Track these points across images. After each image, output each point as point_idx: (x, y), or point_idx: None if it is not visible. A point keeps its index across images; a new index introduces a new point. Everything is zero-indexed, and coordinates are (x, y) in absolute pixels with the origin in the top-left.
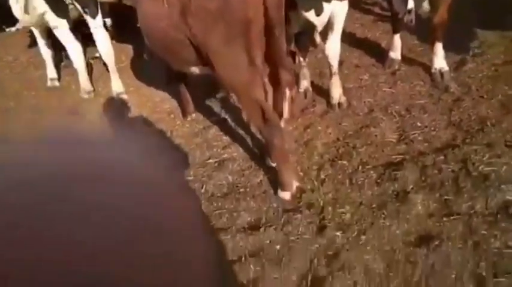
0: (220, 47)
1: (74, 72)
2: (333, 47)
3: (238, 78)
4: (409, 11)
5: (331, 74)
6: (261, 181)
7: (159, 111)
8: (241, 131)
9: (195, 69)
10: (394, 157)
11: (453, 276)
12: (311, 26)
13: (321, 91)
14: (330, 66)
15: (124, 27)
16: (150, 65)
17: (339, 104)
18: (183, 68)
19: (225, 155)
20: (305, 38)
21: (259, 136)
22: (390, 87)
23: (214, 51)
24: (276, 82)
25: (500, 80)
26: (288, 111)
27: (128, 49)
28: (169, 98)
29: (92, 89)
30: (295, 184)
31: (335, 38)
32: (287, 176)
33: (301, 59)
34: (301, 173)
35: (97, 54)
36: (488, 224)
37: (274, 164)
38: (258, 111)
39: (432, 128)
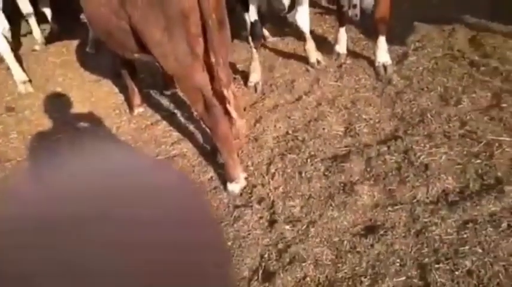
0: (159, 36)
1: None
2: (304, 17)
3: (179, 67)
4: (354, 6)
5: (305, 40)
6: (211, 177)
7: (104, 107)
8: (191, 127)
9: (138, 56)
10: (340, 149)
11: (398, 264)
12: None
13: (271, 85)
14: (303, 33)
15: (65, 20)
16: (94, 59)
17: (318, 61)
18: (127, 55)
19: (174, 152)
20: (260, 28)
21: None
22: (336, 81)
23: (154, 40)
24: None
25: (439, 72)
26: (233, 111)
27: (70, 43)
28: (115, 92)
29: (27, 78)
30: (243, 176)
31: (304, 8)
32: (234, 168)
33: (254, 50)
34: (252, 168)
35: (36, 47)
36: (429, 212)
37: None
38: (199, 99)
39: (376, 120)
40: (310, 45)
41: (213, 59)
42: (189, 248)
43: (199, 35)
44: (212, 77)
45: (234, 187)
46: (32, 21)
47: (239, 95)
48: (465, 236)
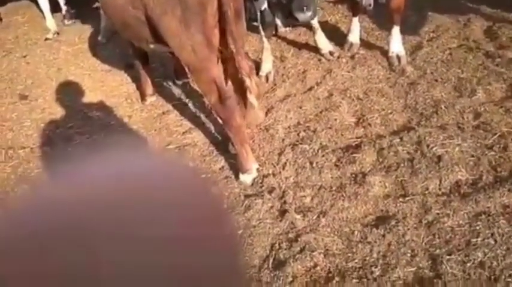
0: (176, 26)
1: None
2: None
3: (195, 58)
4: None
5: (314, 32)
6: (222, 166)
7: (116, 96)
8: (202, 116)
9: (153, 47)
10: (352, 140)
11: (408, 254)
12: None
13: (282, 75)
14: (312, 25)
15: (78, 9)
16: (106, 48)
17: (330, 52)
18: (142, 45)
19: (186, 141)
20: (270, 17)
21: (220, 121)
22: (349, 71)
23: (170, 30)
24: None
25: (453, 63)
26: (254, 99)
27: (83, 31)
28: (127, 82)
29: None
30: (255, 167)
31: None
32: (247, 158)
33: (265, 40)
34: (263, 158)
35: (49, 36)
36: (441, 203)
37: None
38: (214, 90)
39: (389, 111)
40: (320, 34)
41: (233, 49)
42: (201, 241)
43: (216, 26)
44: (226, 69)
45: (246, 178)
46: (46, 9)
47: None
48: (477, 228)
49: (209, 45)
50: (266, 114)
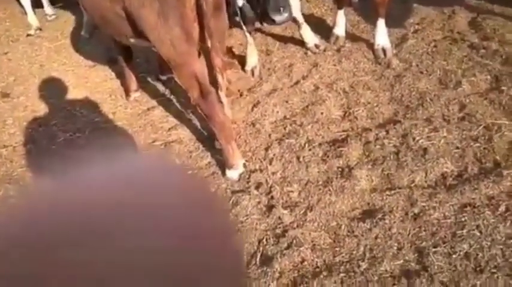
0: (155, 20)
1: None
2: (295, 2)
3: (174, 53)
4: None
5: (299, 26)
6: (209, 162)
7: (100, 92)
8: (187, 112)
9: (134, 42)
10: (339, 133)
11: (395, 247)
12: None
13: (268, 69)
14: (295, 20)
15: (60, 4)
16: (89, 43)
17: (316, 45)
18: (123, 40)
19: (172, 137)
20: (250, 12)
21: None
22: (335, 65)
23: (149, 24)
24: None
25: (438, 55)
26: (224, 98)
27: (65, 27)
28: (111, 78)
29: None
30: (242, 162)
31: None
32: (233, 154)
33: (247, 34)
34: (249, 153)
35: (31, 32)
36: (427, 196)
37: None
38: (195, 85)
39: (375, 104)
40: (305, 28)
41: (208, 44)
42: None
43: (195, 20)
44: (209, 63)
45: (233, 174)
46: (27, 5)
47: (235, 79)
48: (463, 219)
49: (188, 40)
50: (252, 109)
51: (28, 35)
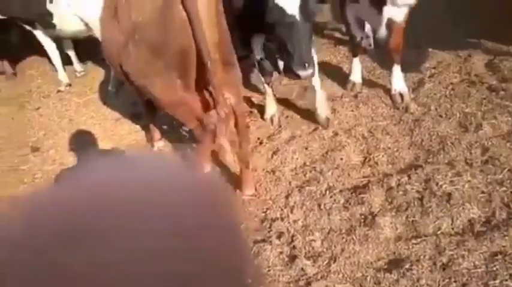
0: (158, 73)
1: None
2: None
3: (174, 100)
4: (367, 35)
5: (316, 93)
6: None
7: (125, 144)
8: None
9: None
10: (359, 179)
11: None
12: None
13: (287, 117)
14: (311, 84)
15: (88, 60)
16: (116, 97)
17: (327, 119)
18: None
19: None
20: (269, 64)
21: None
22: (353, 111)
23: (154, 77)
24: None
25: (457, 98)
26: (225, 143)
27: (93, 82)
28: (135, 131)
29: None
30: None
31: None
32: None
33: (266, 85)
34: (270, 201)
35: (61, 88)
36: (455, 244)
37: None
38: (195, 125)
39: (395, 149)
40: (321, 100)
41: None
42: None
43: (194, 74)
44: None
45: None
46: (58, 63)
47: (254, 128)
48: (494, 269)
49: (186, 89)
50: (272, 156)
51: (58, 91)
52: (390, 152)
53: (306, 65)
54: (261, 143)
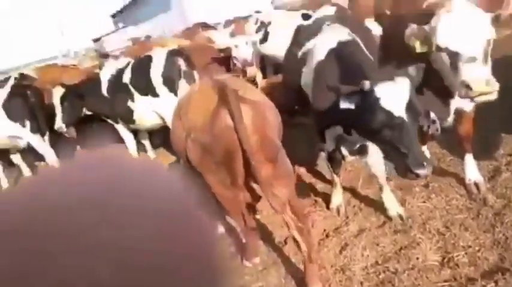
0: (211, 170)
1: None
2: (376, 161)
3: (223, 194)
4: (433, 121)
5: (380, 188)
6: None
7: None
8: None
9: None
10: (440, 284)
11: None
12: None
13: (354, 206)
14: (377, 179)
15: (161, 147)
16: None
17: (400, 216)
18: None
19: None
20: (339, 156)
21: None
22: (425, 202)
23: (206, 173)
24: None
25: None
26: (297, 236)
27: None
28: None
29: None
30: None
31: (375, 150)
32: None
33: (334, 175)
34: None
35: None
36: None
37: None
38: (240, 220)
39: (477, 248)
40: (388, 195)
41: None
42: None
43: (242, 173)
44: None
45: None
46: (133, 150)
47: (320, 219)
48: None
49: (234, 185)
50: (340, 252)
51: None
52: (471, 252)
53: (425, 163)
54: (327, 236)
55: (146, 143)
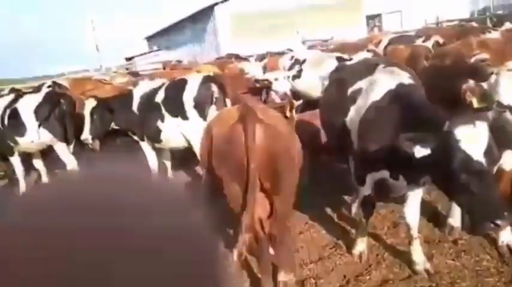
0: (226, 178)
1: None
2: (413, 212)
3: (234, 201)
4: None
5: (410, 240)
6: None
7: None
8: None
9: None
10: None
11: None
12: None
13: (377, 255)
14: (409, 230)
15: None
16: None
17: (426, 271)
18: None
19: None
20: (372, 201)
21: None
22: (453, 260)
23: (223, 180)
24: None
25: None
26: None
27: None
28: None
29: None
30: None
31: (415, 201)
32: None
33: (363, 220)
34: None
35: None
36: None
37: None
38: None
39: None
40: (417, 248)
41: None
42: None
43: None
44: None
45: None
46: (154, 169)
47: (341, 263)
48: None
49: (244, 194)
50: None
51: None
52: None
53: (505, 213)
54: (348, 282)
55: (168, 163)
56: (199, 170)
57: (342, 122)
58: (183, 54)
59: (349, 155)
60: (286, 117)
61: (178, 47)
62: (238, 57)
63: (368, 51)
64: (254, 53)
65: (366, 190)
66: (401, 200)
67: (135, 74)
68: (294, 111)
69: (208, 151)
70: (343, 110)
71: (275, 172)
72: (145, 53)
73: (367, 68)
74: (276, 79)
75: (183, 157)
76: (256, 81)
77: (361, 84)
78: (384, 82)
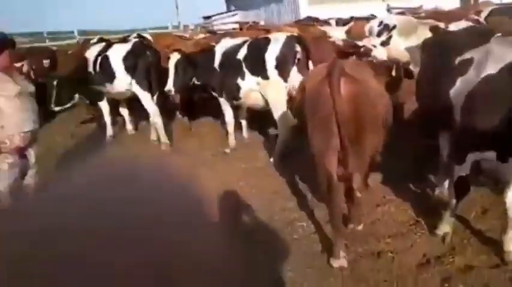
0: (313, 122)
1: None
2: None
3: (317, 145)
4: None
5: (505, 228)
6: None
7: (278, 221)
8: None
9: None
10: None
11: None
12: None
13: (462, 240)
14: (508, 218)
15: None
16: (278, 168)
17: None
18: None
19: None
20: (467, 185)
21: None
22: None
23: (309, 125)
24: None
25: None
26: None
27: (260, 149)
28: (289, 207)
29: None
30: (343, 255)
31: None
32: (336, 244)
33: (453, 201)
34: None
35: (227, 150)
36: None
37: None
38: (324, 179)
39: None
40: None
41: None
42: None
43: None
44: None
45: (333, 262)
46: (230, 126)
47: (421, 241)
48: None
49: (328, 141)
50: (442, 284)
51: (224, 152)
52: None
53: None
54: (428, 261)
55: (244, 123)
56: (273, 131)
57: (444, 95)
58: (260, 17)
59: (446, 131)
60: (391, 76)
61: (256, 9)
62: (318, 21)
63: (468, 20)
64: (333, 17)
65: (463, 170)
66: (493, 184)
67: (213, 33)
68: (401, 71)
69: (301, 105)
70: (447, 81)
71: (358, 124)
72: (223, 13)
73: (480, 37)
74: (374, 46)
75: (261, 117)
76: (354, 47)
77: (472, 53)
78: (502, 53)
